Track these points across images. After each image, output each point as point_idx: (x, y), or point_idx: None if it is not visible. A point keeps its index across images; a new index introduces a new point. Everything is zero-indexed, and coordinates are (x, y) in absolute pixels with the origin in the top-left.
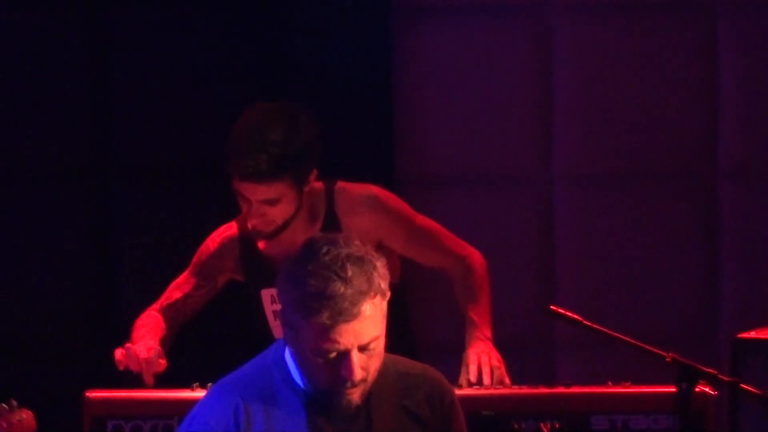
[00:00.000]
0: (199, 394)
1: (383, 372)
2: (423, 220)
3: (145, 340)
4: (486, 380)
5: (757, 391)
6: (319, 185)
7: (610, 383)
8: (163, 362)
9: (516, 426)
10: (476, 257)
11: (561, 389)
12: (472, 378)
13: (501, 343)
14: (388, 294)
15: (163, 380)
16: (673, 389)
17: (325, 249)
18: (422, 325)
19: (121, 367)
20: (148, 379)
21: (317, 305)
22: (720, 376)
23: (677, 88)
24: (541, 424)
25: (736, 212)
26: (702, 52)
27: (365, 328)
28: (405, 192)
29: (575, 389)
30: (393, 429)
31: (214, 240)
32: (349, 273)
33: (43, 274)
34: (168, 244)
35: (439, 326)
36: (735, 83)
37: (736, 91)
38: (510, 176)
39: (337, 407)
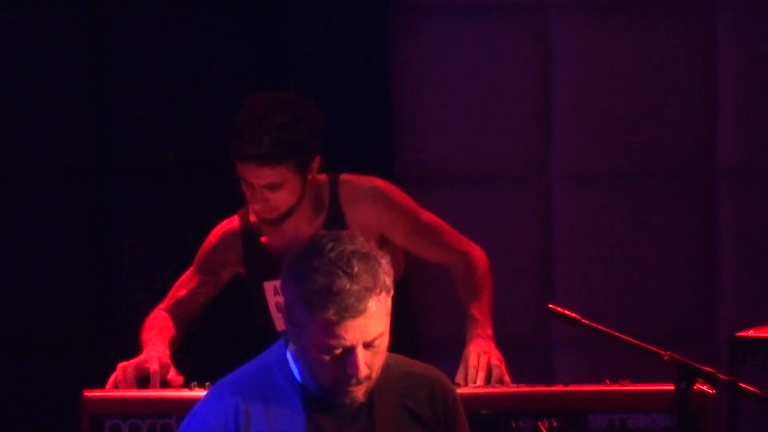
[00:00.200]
0: (197, 393)
1: (386, 371)
2: (426, 215)
3: (155, 347)
4: (479, 382)
5: (756, 390)
6: (323, 177)
7: (608, 382)
8: (175, 378)
9: (514, 424)
10: (479, 254)
11: (559, 388)
12: (470, 379)
13: (499, 342)
14: (393, 291)
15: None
16: (672, 388)
17: (330, 245)
18: (424, 321)
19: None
20: (156, 386)
21: (323, 301)
22: (718, 375)
23: (676, 88)
24: (540, 423)
25: (734, 211)
26: (701, 51)
27: (371, 325)
28: (404, 190)
29: (573, 388)
30: (395, 429)
31: (215, 234)
32: (356, 269)
33: (42, 273)
34: (168, 242)
35: (442, 323)
36: (734, 83)
37: (735, 90)
38: (509, 175)
39: (340, 405)
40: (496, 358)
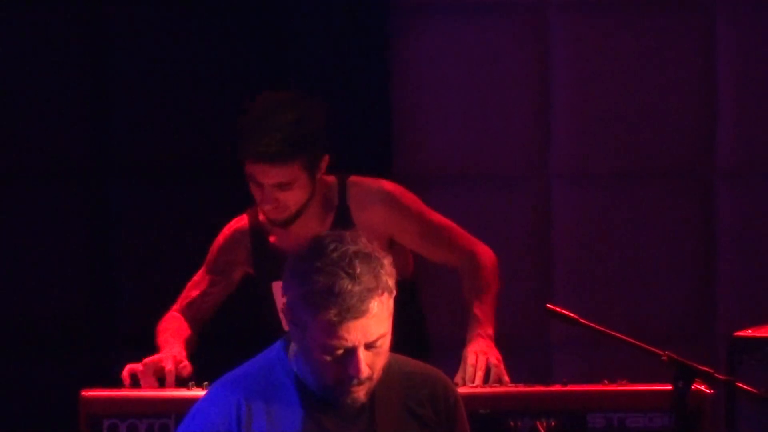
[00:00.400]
0: (196, 393)
1: (387, 371)
2: (435, 216)
3: (171, 348)
4: (478, 382)
5: (754, 390)
6: (331, 179)
7: (606, 381)
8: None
9: (512, 424)
10: (487, 254)
11: (557, 387)
12: (468, 378)
13: (498, 342)
14: (395, 291)
15: (162, 378)
16: (670, 388)
17: (332, 246)
18: (434, 322)
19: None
20: (171, 384)
21: (325, 302)
22: (716, 374)
23: (675, 87)
24: (538, 423)
25: (733, 211)
26: (700, 51)
27: (373, 326)
28: None
29: (572, 387)
30: (396, 428)
31: (224, 234)
32: (358, 270)
33: (40, 273)
34: (167, 242)
35: (452, 323)
36: (733, 83)
37: (734, 90)
38: (508, 175)
39: (342, 405)
40: (494, 357)
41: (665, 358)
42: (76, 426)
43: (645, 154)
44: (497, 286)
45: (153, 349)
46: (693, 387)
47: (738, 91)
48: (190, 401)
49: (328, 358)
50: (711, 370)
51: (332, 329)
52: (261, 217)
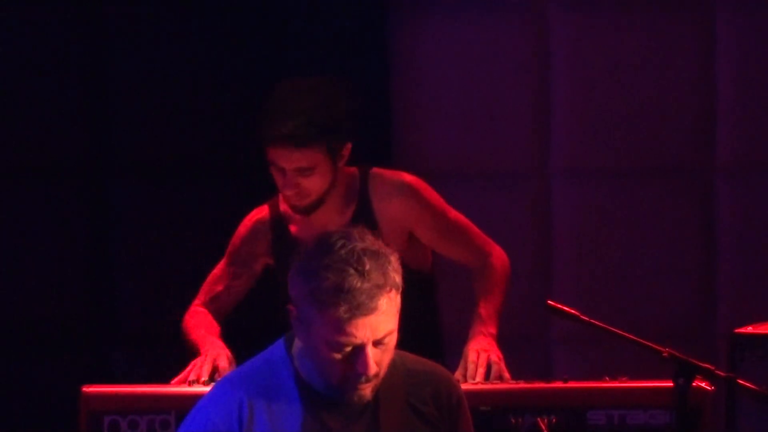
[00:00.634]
0: (197, 389)
1: (391, 369)
2: (455, 214)
3: (214, 345)
4: (479, 378)
5: (754, 387)
6: (353, 170)
7: (607, 378)
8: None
9: (513, 421)
10: (500, 257)
11: (558, 384)
12: (469, 375)
13: (498, 338)
14: (401, 288)
15: (162, 375)
16: (670, 384)
17: (340, 243)
18: (450, 319)
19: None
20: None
21: (334, 299)
22: (717, 371)
23: (675, 85)
24: (539, 419)
25: (733, 208)
26: (700, 48)
27: (381, 323)
28: None
29: (572, 384)
30: (399, 426)
31: (245, 225)
32: (366, 267)
33: (40, 270)
34: (166, 240)
35: (465, 319)
36: (733, 80)
37: (734, 87)
38: (507, 172)
39: (348, 403)
40: (495, 355)
41: (666, 354)
42: (77, 422)
43: (645, 152)
44: (506, 288)
45: (153, 346)
46: (694, 384)
47: (737, 89)
48: (191, 397)
49: (336, 356)
50: (712, 367)
51: (341, 326)
52: (282, 207)
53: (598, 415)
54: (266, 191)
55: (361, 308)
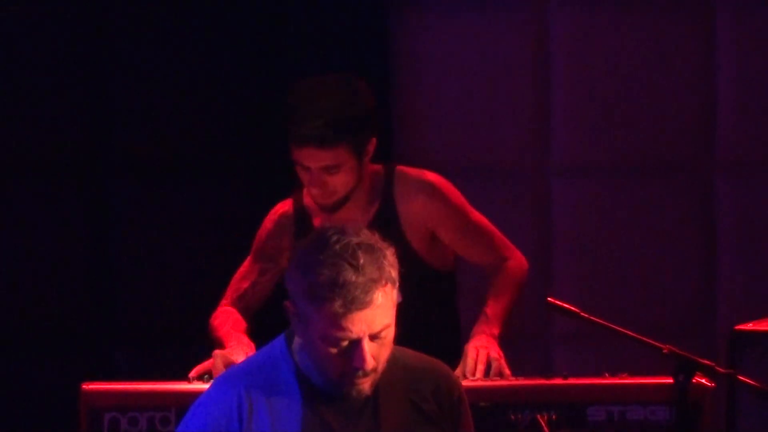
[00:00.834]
0: (197, 386)
1: (391, 365)
2: (477, 216)
3: (240, 341)
4: (478, 375)
5: (755, 383)
6: (378, 167)
7: (607, 375)
8: None
9: (513, 417)
10: (518, 262)
11: (558, 381)
12: (468, 371)
13: (501, 339)
14: (398, 283)
15: (162, 372)
16: (671, 381)
17: (335, 238)
18: (468, 315)
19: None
20: None
21: (329, 293)
22: (717, 368)
23: (675, 82)
24: (538, 416)
25: (733, 206)
26: (700, 45)
27: (377, 317)
28: None
29: (572, 381)
30: (400, 422)
31: (270, 220)
32: (361, 261)
33: (40, 268)
34: (166, 239)
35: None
36: (732, 78)
37: (734, 84)
38: (507, 169)
39: (347, 398)
40: (495, 352)
41: (666, 351)
42: (77, 420)
43: (645, 150)
44: (517, 293)
45: (153, 343)
46: (694, 380)
47: (737, 87)
48: (191, 394)
49: (333, 351)
50: (712, 364)
51: (337, 321)
52: (306, 200)
53: (598, 412)
54: (266, 190)
55: (356, 302)
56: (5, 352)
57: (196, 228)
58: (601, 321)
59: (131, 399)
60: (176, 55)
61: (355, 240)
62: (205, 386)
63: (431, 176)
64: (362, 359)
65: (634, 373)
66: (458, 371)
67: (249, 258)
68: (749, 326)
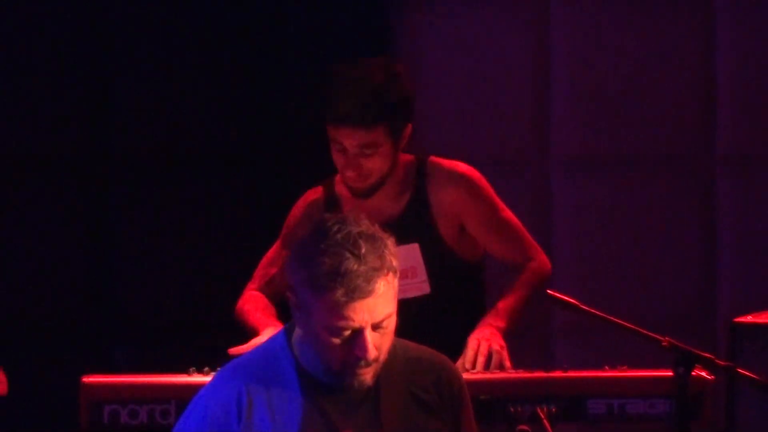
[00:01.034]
0: (196, 379)
1: (392, 356)
2: (507, 213)
3: (275, 327)
4: (479, 368)
5: (754, 376)
6: (411, 157)
7: (607, 367)
8: None
9: (513, 410)
10: (542, 263)
11: (558, 373)
12: (468, 364)
13: (507, 334)
14: (399, 272)
15: (162, 365)
16: (670, 373)
17: (336, 227)
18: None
19: None
20: None
21: (331, 283)
22: (717, 360)
23: (675, 75)
24: (538, 408)
25: (733, 198)
26: (700, 39)
27: (379, 306)
28: None
29: (572, 373)
30: (401, 414)
31: (299, 206)
32: (363, 250)
33: (40, 263)
34: (165, 235)
35: None
36: (733, 71)
37: (734, 78)
38: (508, 161)
39: (348, 388)
40: (497, 344)
41: (666, 343)
42: (78, 413)
43: (645, 143)
44: (533, 292)
45: (151, 337)
46: (693, 373)
47: (738, 80)
48: (191, 387)
49: (335, 341)
50: (711, 356)
51: (339, 310)
52: (337, 188)
53: (597, 404)
54: (265, 187)
55: (358, 291)
56: (6, 346)
57: (195, 224)
58: (601, 314)
59: (131, 392)
60: (176, 52)
61: (356, 229)
62: (206, 379)
63: (464, 168)
64: (364, 349)
65: (634, 365)
66: (459, 362)
67: (277, 243)
68: (749, 319)
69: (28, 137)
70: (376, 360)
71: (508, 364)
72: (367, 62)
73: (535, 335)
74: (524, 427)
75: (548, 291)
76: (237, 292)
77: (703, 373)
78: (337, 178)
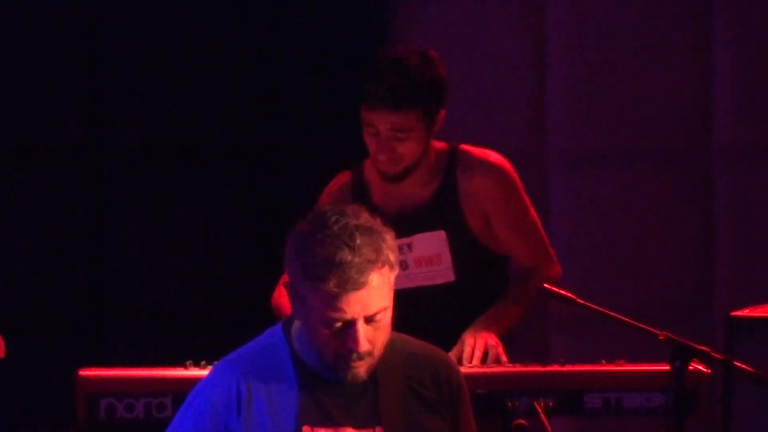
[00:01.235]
0: (193, 372)
1: (391, 351)
2: (531, 213)
3: None
4: (475, 362)
5: (751, 369)
6: (442, 145)
7: (603, 361)
8: None
9: (510, 404)
10: (553, 273)
11: (555, 367)
12: (465, 358)
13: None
14: (397, 267)
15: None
16: (667, 367)
17: (333, 218)
18: None
19: None
20: None
21: (325, 273)
22: (713, 354)
23: (672, 68)
24: (535, 403)
25: (730, 190)
26: (697, 31)
27: (372, 298)
28: None
29: (569, 367)
30: (399, 408)
31: (328, 192)
32: (358, 242)
33: (38, 256)
34: (163, 228)
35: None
36: (730, 63)
37: (731, 70)
38: (504, 155)
39: (343, 381)
40: (492, 339)
41: (662, 337)
42: (74, 406)
43: (642, 136)
44: (533, 303)
45: (149, 329)
46: (690, 367)
47: (734, 72)
48: (188, 380)
49: (328, 332)
50: (708, 350)
51: (332, 301)
52: (366, 173)
53: (594, 398)
54: (265, 182)
55: (351, 282)
56: (4, 337)
57: (193, 218)
58: (597, 307)
59: (128, 385)
60: (175, 48)
61: (353, 222)
62: (202, 373)
63: (495, 157)
64: (356, 341)
65: (630, 359)
66: (453, 353)
67: None
68: (745, 312)
69: (27, 132)
70: (369, 354)
71: (504, 359)
72: (403, 49)
73: (532, 330)
74: (521, 421)
75: (545, 285)
76: (234, 286)
77: (700, 367)
78: (367, 163)
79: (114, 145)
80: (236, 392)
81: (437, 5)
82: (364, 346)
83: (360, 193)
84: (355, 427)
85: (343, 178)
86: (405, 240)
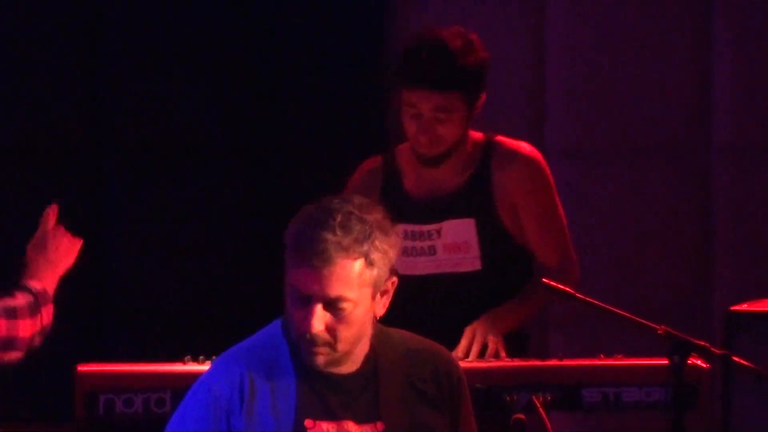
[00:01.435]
0: (192, 367)
1: (391, 347)
2: (559, 211)
3: None
4: (472, 357)
5: (749, 364)
6: (479, 135)
7: (602, 356)
8: None
9: (508, 398)
10: (572, 277)
11: (554, 362)
12: (461, 353)
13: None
14: (384, 270)
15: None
16: (666, 362)
17: (336, 201)
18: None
19: None
20: None
21: (296, 243)
22: (712, 348)
23: (672, 65)
24: (534, 397)
25: (729, 187)
26: (697, 27)
27: (333, 282)
28: None
29: (567, 362)
30: (399, 404)
31: (357, 176)
32: (340, 223)
33: None
34: (162, 223)
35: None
36: (730, 60)
37: (731, 67)
38: None
39: (343, 381)
40: (492, 334)
41: (661, 332)
42: (72, 401)
43: (641, 133)
44: (543, 303)
45: (149, 327)
46: (689, 361)
47: (734, 69)
48: (187, 376)
49: (295, 310)
50: (707, 345)
51: (296, 273)
52: (398, 159)
53: (593, 393)
54: (264, 179)
55: (316, 258)
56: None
57: (191, 214)
58: (596, 302)
59: (127, 381)
60: (175, 48)
61: (349, 208)
62: (201, 368)
63: (528, 149)
64: (308, 322)
65: (629, 354)
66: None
67: None
68: (744, 307)
69: (27, 132)
70: (327, 343)
71: (503, 354)
72: (446, 30)
73: (530, 325)
74: (520, 415)
75: (543, 280)
76: (234, 284)
77: (699, 362)
78: (398, 148)
79: (114, 144)
80: (239, 385)
81: (437, 5)
82: (316, 328)
83: (392, 178)
84: (355, 421)
85: (374, 162)
86: (434, 226)
